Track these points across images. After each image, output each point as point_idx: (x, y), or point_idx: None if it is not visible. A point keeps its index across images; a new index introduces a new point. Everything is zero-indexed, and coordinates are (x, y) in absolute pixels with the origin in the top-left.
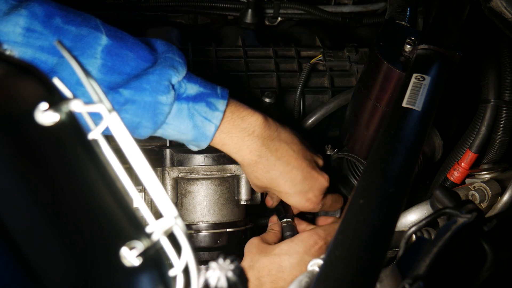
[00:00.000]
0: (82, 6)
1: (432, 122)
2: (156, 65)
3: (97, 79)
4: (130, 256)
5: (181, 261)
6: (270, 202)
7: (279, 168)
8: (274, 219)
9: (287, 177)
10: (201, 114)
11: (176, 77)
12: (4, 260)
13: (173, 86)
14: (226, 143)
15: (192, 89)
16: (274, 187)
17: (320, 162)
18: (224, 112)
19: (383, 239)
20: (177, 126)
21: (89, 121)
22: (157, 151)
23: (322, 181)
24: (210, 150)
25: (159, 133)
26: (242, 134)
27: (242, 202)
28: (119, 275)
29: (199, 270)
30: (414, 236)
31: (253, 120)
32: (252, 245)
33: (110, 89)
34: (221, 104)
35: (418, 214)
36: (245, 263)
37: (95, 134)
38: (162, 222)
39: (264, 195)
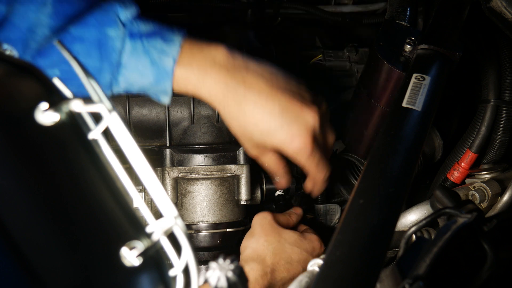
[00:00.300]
0: None
1: (432, 122)
2: (102, 2)
3: (49, 25)
4: (130, 256)
5: (181, 261)
6: (280, 183)
7: (251, 99)
8: (299, 210)
9: (262, 110)
10: (157, 48)
11: (124, 12)
12: (4, 260)
13: (122, 22)
14: (188, 77)
15: (145, 27)
16: (253, 127)
17: (308, 96)
18: (181, 45)
19: (383, 239)
20: (135, 67)
21: (89, 121)
22: (157, 151)
23: (307, 113)
24: (210, 150)
25: (122, 83)
26: (204, 65)
27: (242, 202)
28: (119, 275)
29: (199, 270)
30: (414, 236)
31: (213, 49)
32: (265, 220)
33: (60, 31)
34: (177, 37)
35: (418, 214)
36: (255, 235)
37: (95, 134)
38: (162, 222)
39: (264, 194)
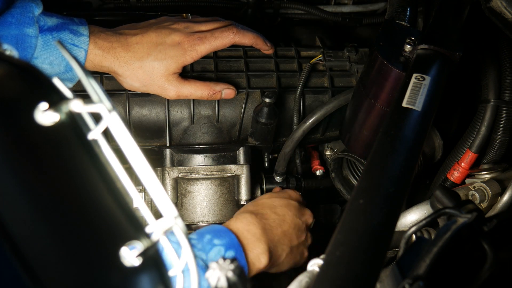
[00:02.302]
0: (81, 4)
1: (432, 122)
2: (19, 2)
3: None
4: (130, 256)
5: (181, 261)
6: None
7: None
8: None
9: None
10: (67, 41)
11: (38, 10)
12: (4, 260)
13: (36, 20)
14: (101, 61)
15: (51, 20)
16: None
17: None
18: (89, 36)
19: (383, 239)
20: (47, 59)
21: (89, 121)
22: (157, 151)
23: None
24: (210, 150)
25: None
26: (111, 45)
27: (242, 202)
28: (119, 275)
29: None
30: (414, 236)
31: (117, 31)
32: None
33: None
34: (83, 29)
35: (418, 214)
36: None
37: (95, 134)
38: (162, 222)
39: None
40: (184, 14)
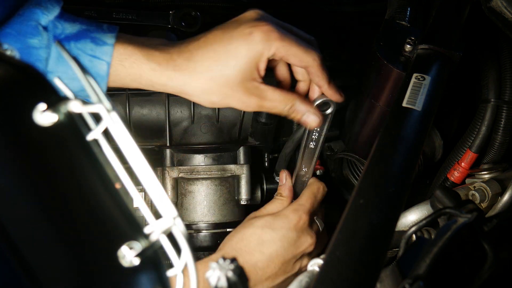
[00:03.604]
0: (81, 4)
1: (432, 122)
2: (20, 8)
3: None
4: (129, 256)
5: (181, 261)
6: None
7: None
8: (283, 175)
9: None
10: (87, 52)
11: (46, 16)
12: (3, 260)
13: (45, 27)
14: (124, 77)
15: (71, 27)
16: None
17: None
18: (114, 45)
19: (383, 239)
20: (65, 73)
21: (88, 121)
22: (157, 151)
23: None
24: (210, 150)
25: None
26: (141, 58)
27: (242, 202)
28: (117, 275)
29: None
30: (414, 236)
31: (149, 41)
32: (246, 218)
33: None
34: (109, 37)
35: (418, 214)
36: (231, 234)
37: (95, 134)
38: (161, 222)
39: (264, 194)
40: None
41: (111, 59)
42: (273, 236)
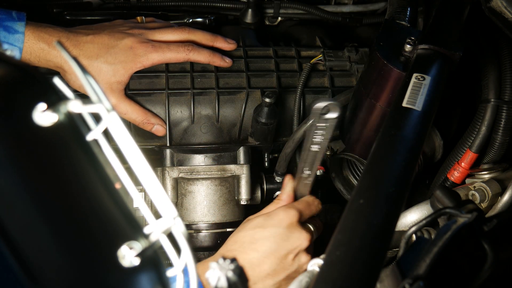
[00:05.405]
0: (81, 4)
1: (432, 122)
2: None
3: None
4: (129, 256)
5: (181, 261)
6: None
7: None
8: (285, 180)
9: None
10: (2, 40)
11: None
12: (3, 259)
13: None
14: (47, 56)
15: None
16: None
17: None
18: (25, 33)
19: (383, 239)
20: None
21: (88, 121)
22: (157, 151)
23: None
24: (210, 150)
25: None
26: (50, 39)
27: (242, 202)
28: (117, 275)
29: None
30: (414, 236)
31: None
32: (242, 223)
33: None
34: (19, 26)
35: (418, 214)
36: (227, 239)
37: (95, 134)
38: (161, 223)
39: (264, 194)
40: (138, 18)
41: (22, 44)
42: (264, 234)
